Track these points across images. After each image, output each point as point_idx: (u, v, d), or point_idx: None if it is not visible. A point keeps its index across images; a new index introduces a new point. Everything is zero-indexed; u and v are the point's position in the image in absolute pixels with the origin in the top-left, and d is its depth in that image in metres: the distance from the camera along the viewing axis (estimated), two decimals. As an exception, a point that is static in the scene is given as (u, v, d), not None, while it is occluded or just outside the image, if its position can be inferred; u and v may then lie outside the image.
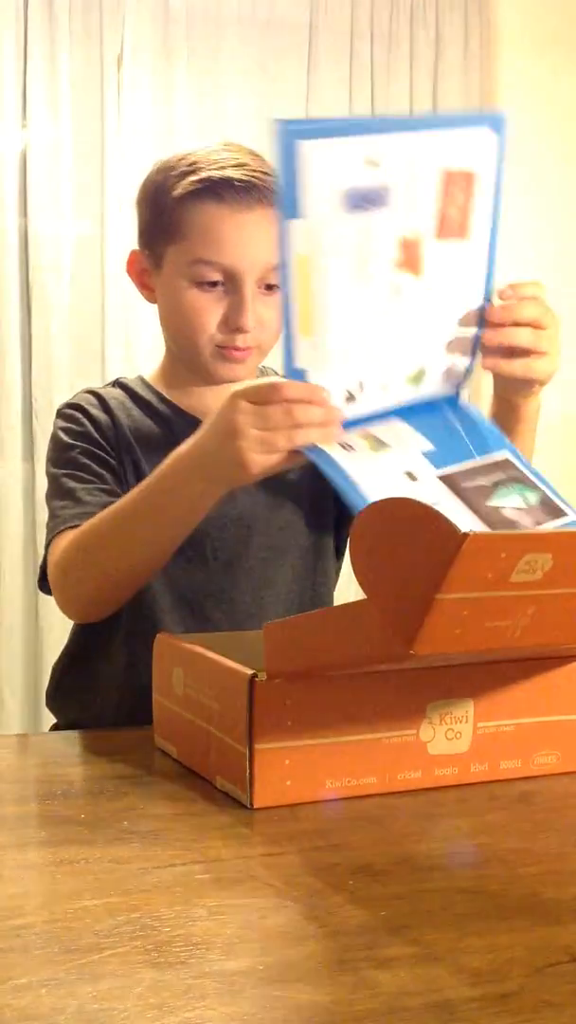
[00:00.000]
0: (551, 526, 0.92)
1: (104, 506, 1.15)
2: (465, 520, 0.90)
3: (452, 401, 1.04)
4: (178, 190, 1.20)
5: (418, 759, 0.89)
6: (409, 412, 1.01)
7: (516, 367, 1.02)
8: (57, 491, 1.24)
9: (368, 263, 0.94)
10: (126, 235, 2.69)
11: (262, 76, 2.94)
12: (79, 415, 1.28)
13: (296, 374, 0.94)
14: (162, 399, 1.31)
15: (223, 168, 1.18)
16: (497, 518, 0.92)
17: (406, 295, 0.97)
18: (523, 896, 0.70)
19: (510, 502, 0.94)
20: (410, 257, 0.96)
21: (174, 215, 1.20)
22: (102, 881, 0.72)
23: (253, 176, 1.18)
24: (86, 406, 1.29)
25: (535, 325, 1.01)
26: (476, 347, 1.02)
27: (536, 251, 3.17)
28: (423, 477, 0.95)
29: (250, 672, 0.85)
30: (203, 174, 1.19)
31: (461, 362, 1.02)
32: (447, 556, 0.67)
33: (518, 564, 0.70)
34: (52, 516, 1.23)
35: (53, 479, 1.26)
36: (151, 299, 1.29)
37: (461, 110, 0.92)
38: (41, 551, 1.31)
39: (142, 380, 1.35)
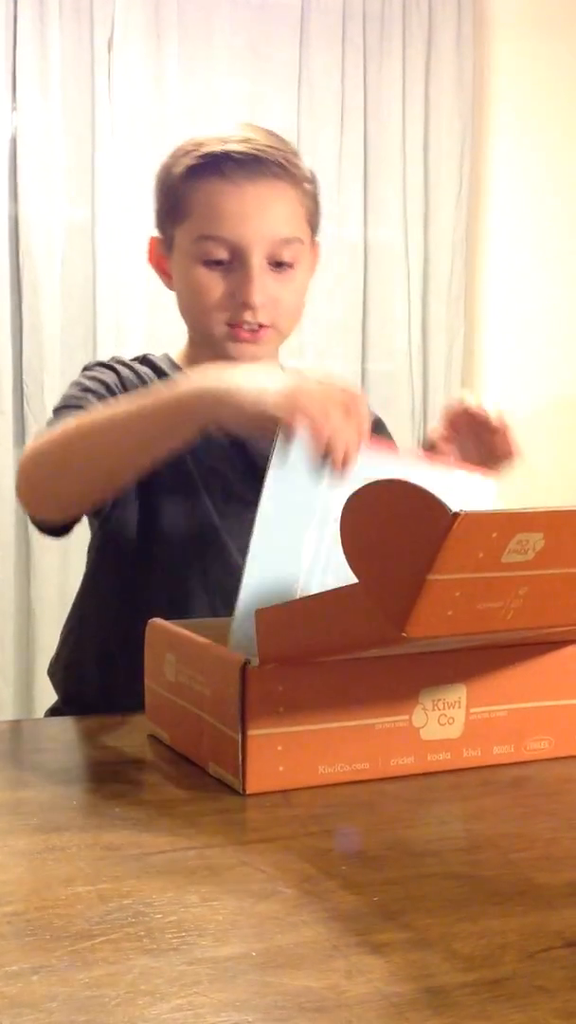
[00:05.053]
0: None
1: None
2: None
3: None
4: (181, 168, 1.19)
5: (411, 745, 0.89)
6: None
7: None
8: (62, 407, 1.19)
9: None
10: (118, 219, 2.67)
11: (254, 58, 2.91)
12: (109, 372, 1.25)
13: None
14: None
15: (226, 143, 1.17)
16: None
17: None
18: (516, 881, 0.70)
19: None
20: None
21: (179, 194, 1.20)
22: (94, 868, 0.71)
23: (257, 150, 1.17)
24: (118, 367, 1.26)
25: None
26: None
27: (533, 238, 3.17)
28: None
29: (242, 658, 0.84)
30: (205, 150, 1.18)
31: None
32: (438, 536, 0.67)
33: (509, 544, 0.69)
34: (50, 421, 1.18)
35: (61, 405, 1.20)
36: (170, 286, 1.27)
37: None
38: (34, 541, 1.31)
39: (169, 359, 1.32)
